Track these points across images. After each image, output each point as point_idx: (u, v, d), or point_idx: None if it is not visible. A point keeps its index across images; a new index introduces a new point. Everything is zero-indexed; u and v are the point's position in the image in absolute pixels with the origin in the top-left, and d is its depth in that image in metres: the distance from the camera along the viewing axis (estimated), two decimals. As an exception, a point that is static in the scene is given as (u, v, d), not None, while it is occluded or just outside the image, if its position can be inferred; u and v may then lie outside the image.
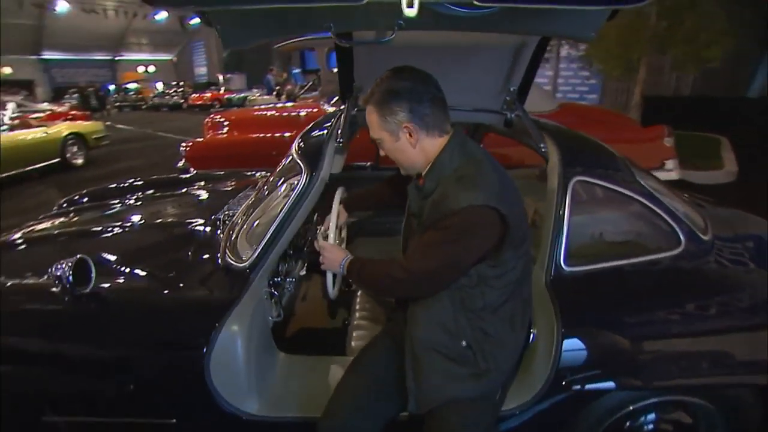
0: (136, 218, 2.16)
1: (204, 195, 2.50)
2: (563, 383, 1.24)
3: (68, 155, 7.35)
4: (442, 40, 1.56)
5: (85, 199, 2.67)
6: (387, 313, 1.60)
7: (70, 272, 1.24)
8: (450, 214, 1.01)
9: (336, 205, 1.38)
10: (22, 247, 1.86)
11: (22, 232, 2.03)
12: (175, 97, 22.39)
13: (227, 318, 1.23)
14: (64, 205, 2.68)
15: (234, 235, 1.49)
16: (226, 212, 1.81)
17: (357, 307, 1.72)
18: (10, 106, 8.75)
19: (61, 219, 2.25)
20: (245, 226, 1.48)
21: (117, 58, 30.65)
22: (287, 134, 4.27)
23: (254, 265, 1.35)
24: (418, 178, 1.16)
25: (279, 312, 1.46)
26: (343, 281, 1.41)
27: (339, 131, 1.51)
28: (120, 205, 2.41)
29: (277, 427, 1.24)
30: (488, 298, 1.09)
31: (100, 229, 1.98)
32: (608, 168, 1.50)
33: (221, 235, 1.57)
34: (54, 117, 10.40)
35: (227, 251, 1.44)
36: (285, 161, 1.67)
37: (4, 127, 6.38)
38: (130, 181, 2.89)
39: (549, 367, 1.21)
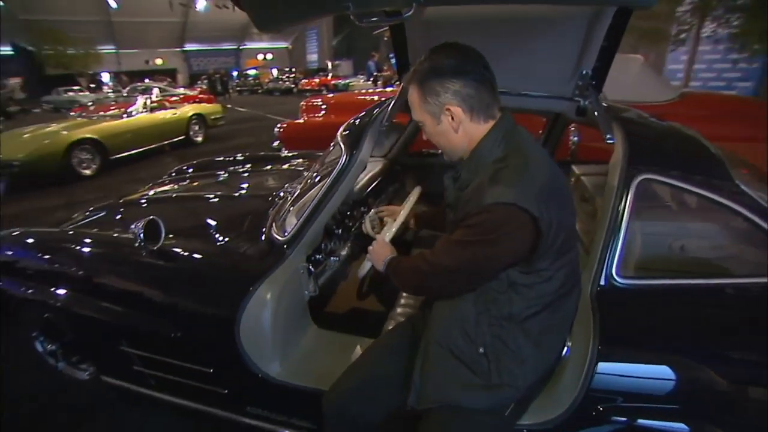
0: (219, 189, 2.42)
1: (281, 173, 2.69)
2: (600, 408, 1.09)
3: (191, 133, 8.43)
4: (503, 17, 1.44)
5: (191, 170, 3.11)
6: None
7: (142, 231, 1.44)
8: (477, 211, 0.91)
9: (409, 206, 1.33)
10: (127, 206, 2.20)
11: (138, 194, 2.45)
12: (287, 83, 24.26)
13: (259, 286, 1.32)
14: (173, 173, 3.16)
15: (281, 211, 1.59)
16: (285, 189, 1.92)
17: (402, 296, 1.72)
18: (155, 91, 10.37)
19: (166, 186, 2.63)
20: (290, 204, 1.57)
21: (241, 47, 34.11)
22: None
23: (291, 240, 1.42)
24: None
25: (315, 287, 1.52)
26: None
27: (385, 115, 1.50)
28: (213, 176, 2.74)
29: (295, 393, 1.31)
30: (516, 306, 0.98)
31: (187, 195, 2.27)
32: (693, 168, 1.23)
33: (272, 211, 1.68)
34: (187, 99, 12.04)
35: (273, 225, 1.54)
36: (332, 144, 1.72)
37: (146, 109, 7.57)
38: (230, 156, 3.29)
39: (578, 388, 1.06)
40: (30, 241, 1.82)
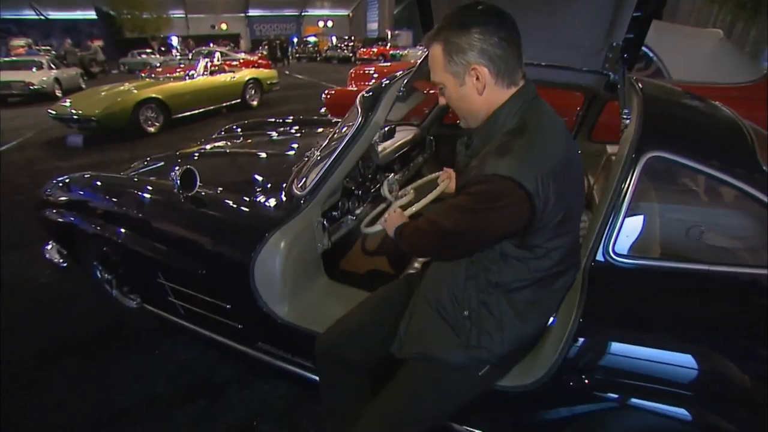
0: (260, 147, 2.58)
1: (320, 135, 2.81)
2: (576, 380, 1.10)
3: (247, 97, 8.78)
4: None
5: (239, 129, 3.33)
6: None
7: (178, 178, 1.60)
8: (476, 180, 0.90)
9: (438, 191, 1.32)
10: (180, 158, 2.42)
11: (193, 148, 2.68)
12: (345, 51, 24.24)
13: (273, 234, 1.44)
14: (222, 132, 3.40)
15: (303, 168, 1.69)
16: (313, 149, 2.03)
17: (414, 261, 1.78)
18: (216, 55, 10.83)
19: (217, 142, 2.84)
20: (312, 162, 1.66)
21: (302, 14, 34.32)
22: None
23: (307, 195, 1.52)
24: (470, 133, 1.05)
25: (328, 241, 1.63)
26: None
27: (404, 80, 1.52)
28: (259, 136, 2.92)
29: (298, 334, 1.44)
30: (504, 277, 0.99)
31: (230, 151, 2.45)
32: (713, 150, 1.16)
33: (295, 167, 1.79)
34: (246, 64, 12.48)
35: (294, 180, 1.65)
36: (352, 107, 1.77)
37: (206, 72, 7.96)
38: (280, 119, 3.46)
39: (555, 357, 1.08)
40: (95, 183, 2.06)
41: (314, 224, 1.56)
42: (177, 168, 1.65)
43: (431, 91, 3.12)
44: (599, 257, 1.13)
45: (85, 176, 2.12)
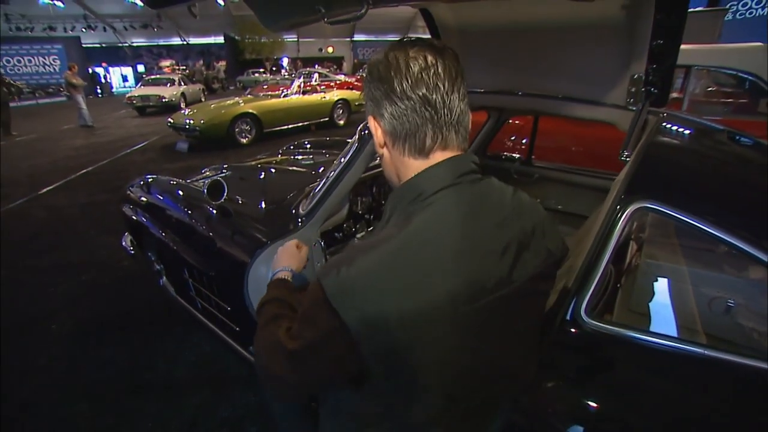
0: (305, 165, 2.77)
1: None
2: None
3: (335, 116, 9.37)
4: (538, 15, 1.34)
5: (308, 145, 3.60)
6: None
7: (206, 188, 1.80)
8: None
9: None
10: (230, 169, 2.70)
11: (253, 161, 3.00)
12: (439, 76, 24.61)
13: (270, 245, 1.55)
14: (291, 146, 3.70)
15: (312, 189, 1.78)
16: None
17: None
18: (315, 75, 11.77)
19: (271, 157, 3.12)
20: (317, 184, 1.75)
21: (404, 39, 35.71)
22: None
23: (307, 214, 1.61)
24: None
25: (325, 262, 1.69)
26: None
27: None
28: (315, 154, 3.14)
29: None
30: None
31: (271, 166, 2.67)
32: (716, 204, 0.98)
33: (308, 187, 1.90)
34: (342, 85, 13.32)
35: (304, 200, 1.75)
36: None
37: (299, 91, 8.69)
38: (337, 138, 3.67)
39: None
40: (156, 185, 2.40)
41: (311, 243, 1.63)
42: (208, 180, 1.85)
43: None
44: (567, 316, 1.01)
45: (149, 179, 2.47)
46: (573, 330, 0.97)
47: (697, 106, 3.65)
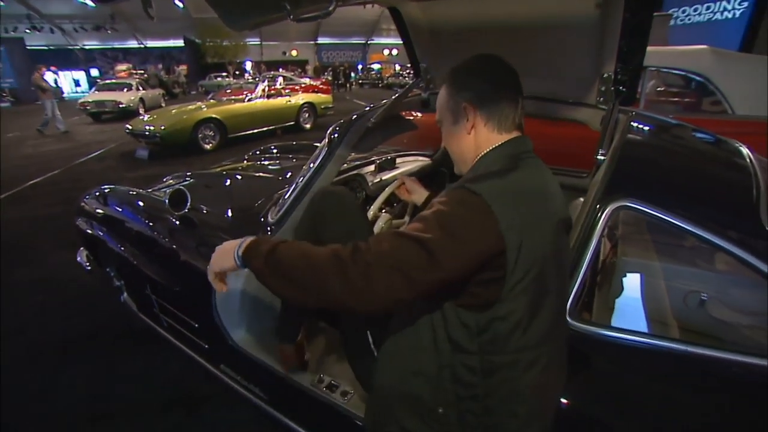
0: (271, 170, 2.67)
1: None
2: None
3: (301, 120, 9.23)
4: (509, 16, 1.34)
5: (275, 150, 3.48)
6: None
7: (167, 198, 1.69)
8: (433, 202, 0.80)
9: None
10: (194, 177, 2.57)
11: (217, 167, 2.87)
12: (407, 78, 24.77)
13: (238, 259, 1.47)
14: (257, 152, 3.58)
15: (281, 196, 1.71)
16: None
17: None
18: (279, 79, 11.56)
19: (236, 163, 3.00)
20: (285, 191, 1.68)
21: (369, 42, 35.81)
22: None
23: (276, 222, 1.54)
24: None
25: None
26: None
27: (375, 113, 1.51)
28: (281, 159, 3.04)
29: (250, 362, 1.42)
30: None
31: (236, 172, 2.57)
32: (698, 202, 1.00)
33: (277, 194, 1.82)
34: (307, 89, 13.15)
35: (271, 208, 1.68)
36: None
37: (263, 95, 8.49)
38: (312, 142, 3.57)
39: None
40: (113, 196, 2.25)
41: None
42: (169, 190, 1.75)
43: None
44: None
45: (105, 189, 2.31)
46: None
47: (651, 105, 3.82)
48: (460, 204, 0.77)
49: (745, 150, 1.26)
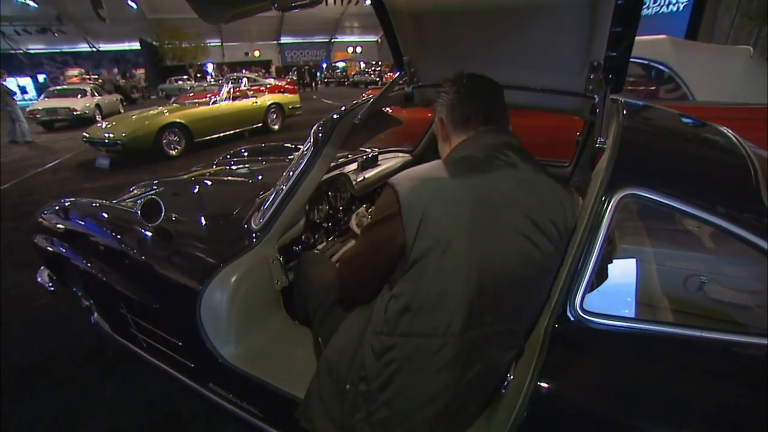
0: (246, 174, 2.55)
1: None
2: None
3: (269, 121, 9.00)
4: (496, 2, 1.30)
5: (246, 154, 3.34)
6: None
7: (139, 209, 1.56)
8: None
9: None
10: (162, 185, 2.42)
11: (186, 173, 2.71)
12: (372, 76, 24.68)
13: (223, 268, 1.37)
14: (228, 156, 3.43)
15: (265, 200, 1.62)
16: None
17: None
18: (244, 80, 11.23)
19: (207, 168, 2.85)
20: (269, 194, 1.59)
21: (333, 40, 35.48)
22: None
23: (260, 230, 1.45)
24: None
25: (286, 278, 1.54)
26: None
27: (362, 109, 1.45)
28: (254, 162, 2.91)
29: (243, 379, 1.33)
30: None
31: (209, 178, 2.44)
32: (701, 185, 0.99)
33: (258, 199, 1.73)
34: (273, 89, 12.85)
35: (255, 213, 1.59)
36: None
37: (229, 97, 8.22)
38: (291, 144, 3.45)
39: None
40: (75, 209, 2.08)
41: (269, 260, 1.48)
42: (141, 199, 1.62)
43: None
44: (565, 315, 0.96)
45: (65, 202, 2.14)
46: (573, 328, 0.93)
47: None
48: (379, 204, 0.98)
49: (731, 133, 1.28)
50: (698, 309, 1.03)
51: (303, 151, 1.48)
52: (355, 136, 1.48)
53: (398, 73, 1.60)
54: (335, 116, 1.54)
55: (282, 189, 1.44)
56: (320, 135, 1.41)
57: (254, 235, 1.45)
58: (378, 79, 23.90)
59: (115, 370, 2.18)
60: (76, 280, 2.18)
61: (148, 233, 1.62)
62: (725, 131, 1.30)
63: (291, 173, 1.45)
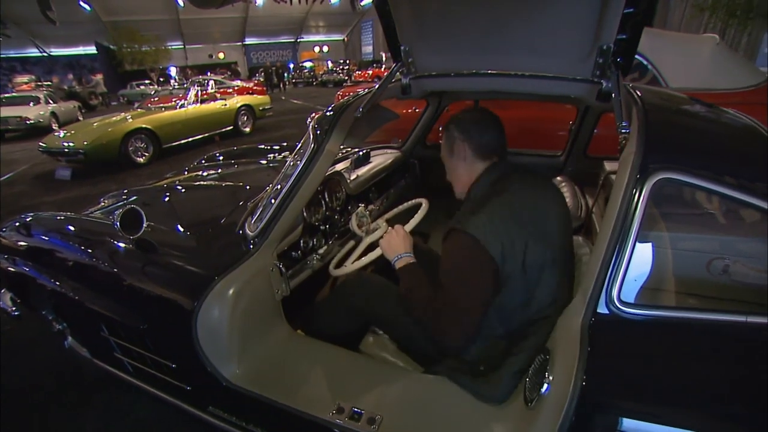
0: (228, 178, 2.41)
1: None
2: None
3: (239, 123, 8.72)
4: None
5: (221, 158, 3.17)
6: None
7: (118, 221, 1.41)
8: (443, 237, 1.19)
9: (417, 219, 1.54)
10: (136, 194, 2.25)
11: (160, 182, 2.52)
12: (341, 75, 24.44)
13: (218, 281, 1.25)
14: (203, 161, 3.25)
15: (258, 204, 1.50)
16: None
17: None
18: (211, 83, 10.85)
19: (180, 175, 2.68)
20: (265, 197, 1.48)
21: (298, 40, 34.93)
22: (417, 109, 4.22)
23: (257, 236, 1.33)
24: None
25: (287, 288, 1.43)
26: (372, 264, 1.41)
27: (362, 102, 1.35)
28: (233, 165, 2.75)
29: (249, 400, 1.21)
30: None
31: (189, 184, 2.28)
32: (735, 167, 0.94)
33: (250, 203, 1.61)
34: (240, 91, 12.51)
35: (248, 218, 1.46)
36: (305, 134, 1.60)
37: (197, 100, 7.90)
38: (266, 145, 3.29)
39: None
40: (38, 225, 1.89)
41: (268, 269, 1.36)
42: (119, 210, 1.47)
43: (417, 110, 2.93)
44: (601, 309, 0.91)
45: (26, 218, 1.95)
46: (612, 321, 0.88)
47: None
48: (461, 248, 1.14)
49: (741, 114, 1.26)
50: (735, 293, 1.00)
51: (301, 148, 1.37)
52: (357, 130, 1.39)
53: (395, 65, 1.51)
54: (330, 112, 1.44)
55: (280, 190, 1.32)
56: (319, 131, 1.31)
57: (251, 241, 1.33)
58: (347, 77, 23.71)
59: (92, 400, 2.00)
60: (44, 302, 1.98)
61: (128, 246, 1.47)
62: (736, 111, 1.28)
63: (290, 173, 1.33)
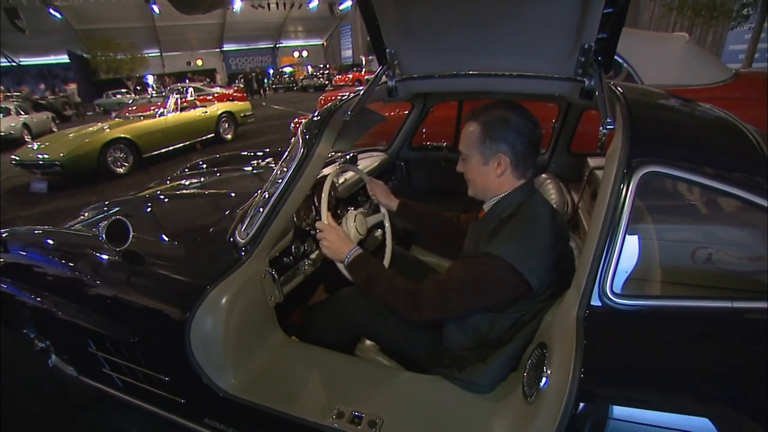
0: (213, 186, 2.37)
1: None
2: None
3: (221, 131, 8.62)
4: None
5: (204, 166, 3.12)
6: None
7: (104, 232, 1.38)
8: (473, 254, 1.11)
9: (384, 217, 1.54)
10: (118, 205, 2.20)
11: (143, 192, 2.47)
12: (321, 79, 24.37)
13: (211, 290, 1.23)
14: (186, 170, 3.20)
15: (248, 211, 1.49)
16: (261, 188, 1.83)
17: None
18: (190, 90, 10.70)
19: (162, 185, 2.63)
20: (255, 204, 1.46)
21: (277, 45, 34.74)
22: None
23: (249, 243, 1.32)
24: (480, 212, 1.26)
25: (280, 294, 1.41)
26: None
27: (351, 105, 1.35)
28: (218, 173, 2.71)
29: (247, 410, 1.19)
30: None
31: (173, 194, 2.24)
32: (717, 159, 0.98)
33: (240, 210, 1.59)
34: (220, 98, 12.34)
35: (238, 225, 1.45)
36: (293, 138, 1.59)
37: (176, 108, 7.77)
38: (248, 152, 3.25)
39: (555, 426, 0.87)
40: (15, 240, 1.83)
41: (261, 276, 1.35)
42: (105, 221, 1.43)
43: (401, 112, 2.94)
44: (594, 302, 0.93)
45: (3, 233, 1.89)
46: (605, 313, 0.90)
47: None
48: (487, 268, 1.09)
49: (717, 108, 1.31)
50: (719, 281, 1.03)
51: (289, 154, 1.36)
52: (346, 133, 1.39)
53: (381, 67, 1.51)
54: (317, 116, 1.44)
55: (271, 195, 1.31)
56: (308, 136, 1.30)
57: (243, 249, 1.32)
58: (327, 82, 23.66)
59: (82, 417, 1.94)
60: (25, 321, 1.92)
61: (114, 258, 1.44)
62: (712, 106, 1.32)
63: (279, 178, 1.33)
